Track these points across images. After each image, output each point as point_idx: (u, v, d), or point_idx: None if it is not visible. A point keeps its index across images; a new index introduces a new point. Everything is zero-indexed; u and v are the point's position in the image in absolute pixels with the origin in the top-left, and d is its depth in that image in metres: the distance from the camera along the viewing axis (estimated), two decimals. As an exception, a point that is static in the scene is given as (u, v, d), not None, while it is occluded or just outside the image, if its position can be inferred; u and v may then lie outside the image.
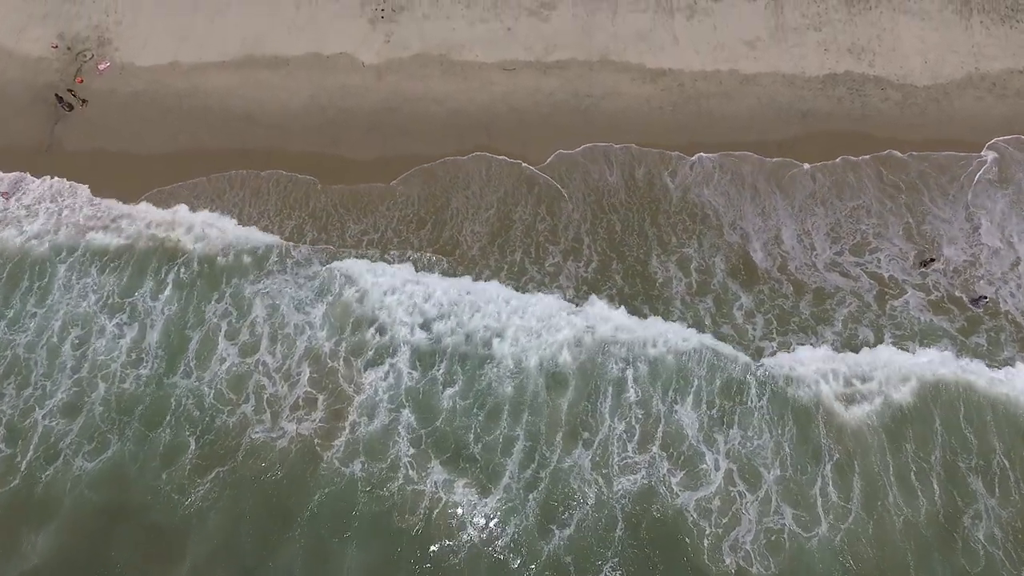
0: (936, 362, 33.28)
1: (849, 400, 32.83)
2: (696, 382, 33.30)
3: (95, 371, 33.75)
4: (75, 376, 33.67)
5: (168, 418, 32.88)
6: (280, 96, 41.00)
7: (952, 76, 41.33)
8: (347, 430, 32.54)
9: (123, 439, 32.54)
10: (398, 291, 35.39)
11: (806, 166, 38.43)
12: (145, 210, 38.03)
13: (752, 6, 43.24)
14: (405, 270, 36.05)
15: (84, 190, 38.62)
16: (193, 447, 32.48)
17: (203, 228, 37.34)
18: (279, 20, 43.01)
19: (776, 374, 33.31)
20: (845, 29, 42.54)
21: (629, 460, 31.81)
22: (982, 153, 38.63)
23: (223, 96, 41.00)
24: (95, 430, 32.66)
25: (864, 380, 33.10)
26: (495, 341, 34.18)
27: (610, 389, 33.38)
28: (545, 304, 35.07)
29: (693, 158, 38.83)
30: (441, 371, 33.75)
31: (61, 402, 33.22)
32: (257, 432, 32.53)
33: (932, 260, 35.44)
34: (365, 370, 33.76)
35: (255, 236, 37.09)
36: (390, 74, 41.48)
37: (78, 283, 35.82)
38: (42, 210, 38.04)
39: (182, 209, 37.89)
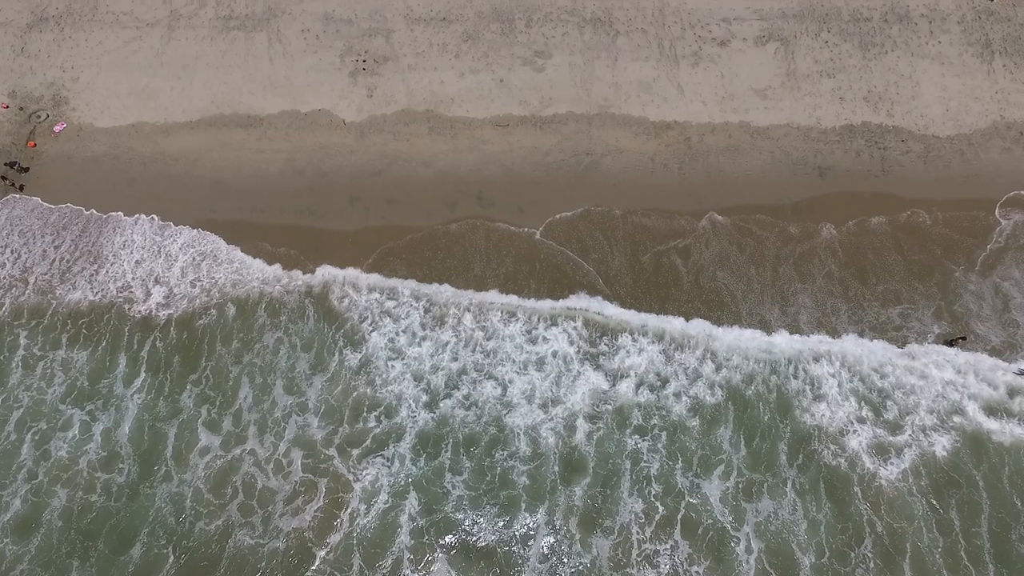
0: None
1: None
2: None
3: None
4: None
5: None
6: (254, 159, 37.64)
7: (976, 125, 38.60)
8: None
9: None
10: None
11: (830, 230, 35.19)
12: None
13: (761, 52, 40.41)
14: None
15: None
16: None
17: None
18: (252, 75, 39.70)
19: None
20: (861, 76, 39.76)
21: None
22: (1001, 221, 35.60)
23: (191, 160, 37.56)
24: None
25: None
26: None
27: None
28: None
29: (703, 221, 35.88)
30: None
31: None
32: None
33: (961, 339, 32.52)
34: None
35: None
36: (373, 133, 38.23)
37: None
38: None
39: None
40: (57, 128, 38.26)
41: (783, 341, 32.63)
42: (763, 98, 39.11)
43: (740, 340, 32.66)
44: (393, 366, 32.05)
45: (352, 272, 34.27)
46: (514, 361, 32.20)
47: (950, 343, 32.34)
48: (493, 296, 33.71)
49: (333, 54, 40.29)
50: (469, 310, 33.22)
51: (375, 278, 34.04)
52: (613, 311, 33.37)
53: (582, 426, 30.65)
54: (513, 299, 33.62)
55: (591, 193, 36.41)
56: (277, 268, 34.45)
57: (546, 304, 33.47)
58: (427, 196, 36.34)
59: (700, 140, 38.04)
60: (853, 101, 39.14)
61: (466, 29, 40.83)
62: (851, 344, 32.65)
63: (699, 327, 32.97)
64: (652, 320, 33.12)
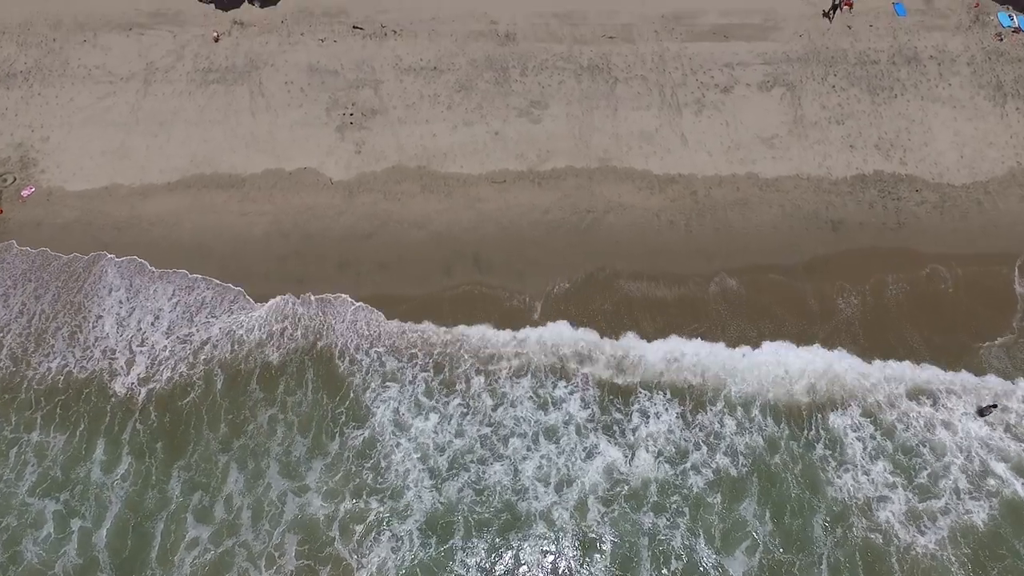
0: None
1: None
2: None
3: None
4: None
5: None
6: (237, 222, 35.45)
7: (992, 172, 37.05)
8: None
9: None
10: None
11: (848, 299, 33.26)
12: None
13: (767, 98, 38.78)
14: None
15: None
16: None
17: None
18: (233, 131, 37.61)
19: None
20: (871, 122, 38.19)
21: None
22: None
23: (170, 225, 35.29)
24: None
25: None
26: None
27: None
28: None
29: (712, 286, 33.91)
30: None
31: None
32: None
33: (992, 407, 30.74)
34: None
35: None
36: (362, 192, 36.18)
37: None
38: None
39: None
40: (25, 192, 35.95)
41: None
42: (770, 147, 37.43)
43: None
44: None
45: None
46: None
47: (981, 412, 30.55)
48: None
49: (319, 107, 38.30)
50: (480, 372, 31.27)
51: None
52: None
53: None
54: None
55: (594, 254, 34.45)
56: (261, 342, 32.36)
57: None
58: (421, 260, 34.24)
59: (707, 194, 36.26)
60: (864, 149, 37.53)
61: (458, 79, 38.99)
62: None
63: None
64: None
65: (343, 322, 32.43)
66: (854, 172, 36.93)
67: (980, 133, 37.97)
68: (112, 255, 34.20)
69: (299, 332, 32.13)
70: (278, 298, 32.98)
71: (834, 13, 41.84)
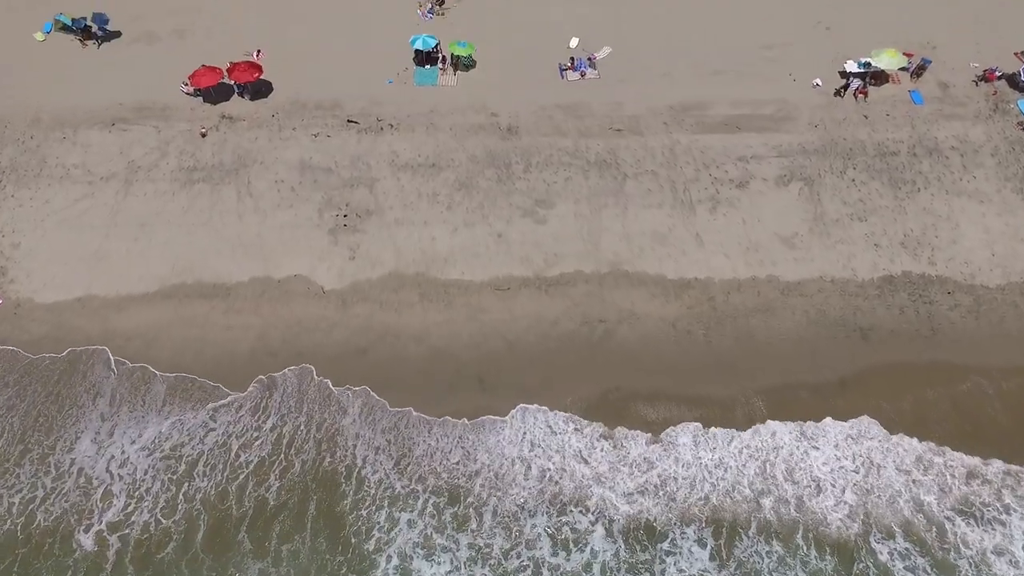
0: None
1: None
2: None
3: None
4: None
5: None
6: (220, 337, 32.77)
7: (1027, 272, 35.03)
8: None
9: None
10: None
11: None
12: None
13: (784, 193, 36.79)
14: None
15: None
16: None
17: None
18: (219, 234, 35.23)
19: None
20: (895, 218, 36.16)
21: None
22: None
23: (147, 340, 32.52)
24: None
25: None
26: None
27: None
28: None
29: (737, 412, 31.28)
30: None
31: None
32: None
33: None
34: None
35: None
36: (357, 302, 33.65)
37: None
38: None
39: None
40: (-8, 305, 33.43)
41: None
42: (791, 247, 35.25)
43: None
44: None
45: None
46: None
47: (1040, 552, 27.69)
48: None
49: (311, 208, 36.06)
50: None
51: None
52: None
53: None
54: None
55: (607, 369, 31.76)
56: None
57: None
58: (420, 379, 31.51)
59: (726, 300, 33.88)
60: (890, 248, 35.39)
61: (458, 176, 36.92)
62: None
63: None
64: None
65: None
66: (881, 273, 34.70)
67: (1011, 229, 35.92)
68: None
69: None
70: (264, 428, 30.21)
71: (844, 92, 40.34)
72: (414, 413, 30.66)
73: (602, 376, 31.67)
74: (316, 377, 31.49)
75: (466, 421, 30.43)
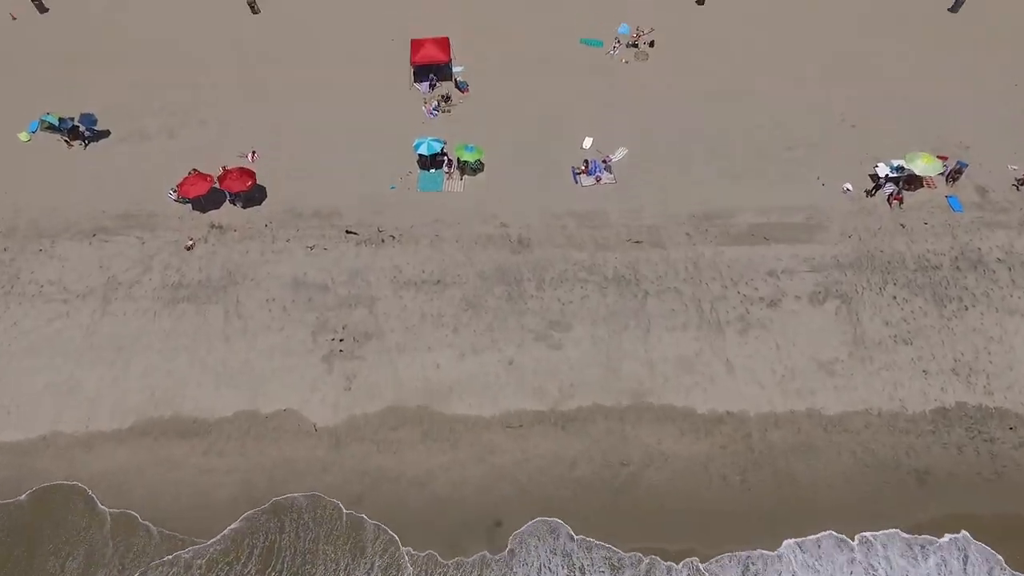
0: None
1: None
2: None
3: None
4: None
5: None
6: (198, 482, 29.24)
7: (1093, 402, 31.72)
8: None
9: None
10: None
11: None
12: None
13: (820, 313, 33.78)
14: None
15: None
16: None
17: None
18: (203, 361, 32.07)
19: None
20: (942, 340, 33.07)
21: None
22: None
23: (116, 485, 28.96)
24: None
25: None
26: None
27: None
28: None
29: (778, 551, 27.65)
30: None
31: None
32: None
33: None
34: None
35: None
36: (352, 441, 30.24)
37: None
38: None
39: None
40: (-54, 444, 30.04)
41: None
42: (831, 374, 32.04)
43: None
44: None
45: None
46: None
47: None
48: None
49: (304, 331, 33.02)
50: None
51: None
52: None
53: None
54: None
55: (633, 523, 28.17)
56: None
57: None
58: (422, 531, 27.94)
59: (762, 437, 30.48)
60: (940, 375, 32.18)
61: (465, 295, 34.00)
62: None
63: None
64: None
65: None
66: (933, 405, 31.38)
67: (1071, 352, 32.90)
68: (40, 534, 28.00)
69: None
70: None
71: (875, 192, 37.82)
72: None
73: (625, 531, 28.01)
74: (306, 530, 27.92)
75: (474, 590, 26.74)
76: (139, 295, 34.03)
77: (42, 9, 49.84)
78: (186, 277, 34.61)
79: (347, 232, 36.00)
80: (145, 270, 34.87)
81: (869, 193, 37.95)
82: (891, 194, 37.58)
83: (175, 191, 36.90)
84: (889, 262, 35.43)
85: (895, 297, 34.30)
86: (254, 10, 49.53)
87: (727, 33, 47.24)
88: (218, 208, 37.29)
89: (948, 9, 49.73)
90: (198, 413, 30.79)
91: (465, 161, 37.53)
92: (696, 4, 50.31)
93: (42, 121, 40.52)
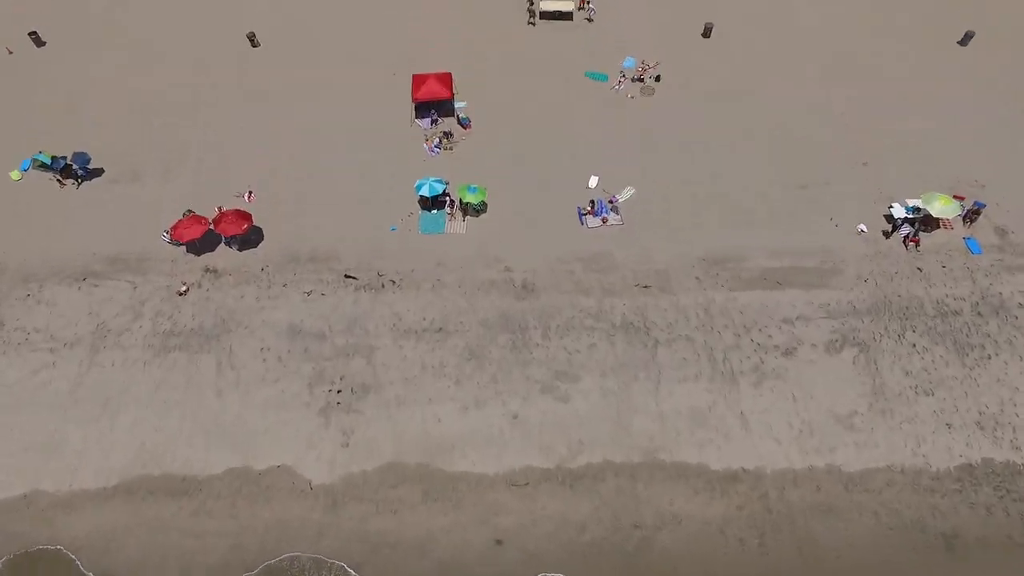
0: None
1: None
2: None
3: None
4: None
5: None
6: (186, 547, 27.66)
7: (1126, 459, 30.27)
8: None
9: None
10: None
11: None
12: None
13: (837, 362, 32.46)
14: None
15: None
16: None
17: None
18: (193, 415, 30.67)
19: None
20: (965, 391, 31.71)
21: None
22: None
23: (99, 551, 27.44)
24: None
25: None
26: None
27: None
28: None
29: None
30: None
31: None
32: None
33: None
34: None
35: None
36: (349, 501, 28.77)
37: None
38: None
39: None
40: (-78, 504, 28.57)
41: None
42: (850, 428, 30.64)
43: None
44: None
45: None
46: None
47: None
48: None
49: (299, 382, 31.67)
50: None
51: None
52: None
53: None
54: None
55: (647, 591, 26.76)
56: None
57: None
58: (422, 606, 26.47)
59: (780, 496, 29.02)
60: (964, 428, 30.78)
61: (468, 343, 32.70)
62: None
63: None
64: None
65: None
66: (958, 462, 29.95)
67: (1100, 405, 31.52)
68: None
69: None
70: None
71: (893, 233, 36.65)
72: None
73: (641, 600, 26.53)
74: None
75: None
76: (129, 344, 32.74)
77: (39, 43, 49.11)
78: (178, 324, 33.34)
79: (346, 277, 34.80)
80: (136, 317, 33.61)
81: (887, 234, 36.81)
82: (907, 236, 36.43)
83: (168, 233, 35.75)
84: (907, 308, 34.18)
85: (915, 345, 33.00)
86: (254, 43, 48.79)
87: (733, 67, 46.40)
88: (213, 251, 36.11)
89: (957, 42, 49.01)
90: (187, 470, 29.36)
91: (468, 202, 36.43)
92: (701, 37, 49.62)
93: (34, 160, 39.48)
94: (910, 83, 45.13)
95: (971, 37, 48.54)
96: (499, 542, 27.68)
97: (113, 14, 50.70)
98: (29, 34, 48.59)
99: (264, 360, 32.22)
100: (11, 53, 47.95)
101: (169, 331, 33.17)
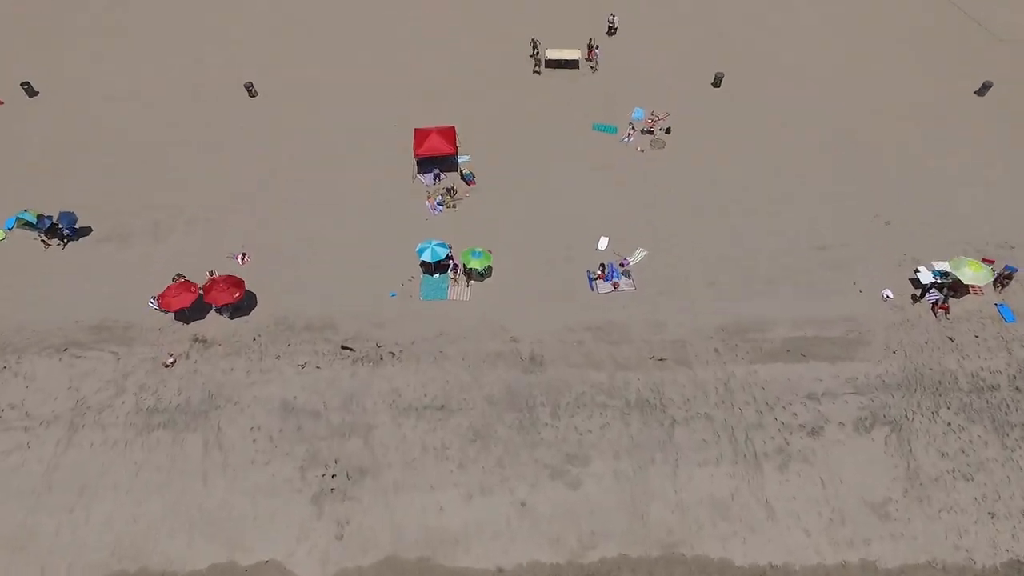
0: None
1: None
2: None
3: None
4: None
5: None
6: (163, 655, 25.51)
7: None
8: None
9: None
10: None
11: None
12: None
13: (867, 443, 30.27)
14: None
15: None
16: None
17: None
18: (175, 504, 28.39)
19: None
20: (1008, 476, 29.44)
21: None
22: None
23: (69, 661, 25.31)
24: None
25: None
26: None
27: None
28: None
29: None
30: None
31: None
32: None
33: None
34: None
35: None
36: (343, 602, 26.57)
37: None
38: None
39: None
40: None
41: None
42: (884, 518, 28.35)
43: None
44: None
45: None
46: None
47: None
48: None
49: (291, 465, 29.47)
50: None
51: None
52: None
53: None
54: None
55: None
56: None
57: None
58: None
59: (812, 597, 26.75)
60: (1008, 518, 28.45)
61: (472, 423, 30.58)
62: None
63: None
64: None
65: None
66: (1005, 557, 27.55)
67: None
68: None
69: None
70: None
71: (919, 299, 34.73)
72: None
73: None
74: None
75: None
76: (109, 422, 30.61)
77: (31, 93, 47.88)
78: (163, 400, 31.25)
79: (342, 348, 32.81)
80: (118, 392, 31.54)
81: (914, 299, 34.88)
82: (936, 302, 34.53)
83: (156, 301, 33.89)
84: (940, 382, 32.09)
85: (950, 424, 30.84)
86: (251, 93, 47.54)
87: (745, 119, 45.02)
88: (203, 318, 34.16)
89: (974, 92, 47.71)
90: (167, 566, 26.98)
91: (472, 268, 34.63)
92: (711, 86, 48.33)
93: (18, 219, 37.81)
94: (928, 136, 43.68)
95: (989, 87, 47.26)
96: (505, 642, 25.43)
97: (109, 64, 49.63)
98: (22, 84, 47.49)
99: (254, 440, 30.07)
100: (1, 104, 46.72)
101: (153, 407, 31.07)
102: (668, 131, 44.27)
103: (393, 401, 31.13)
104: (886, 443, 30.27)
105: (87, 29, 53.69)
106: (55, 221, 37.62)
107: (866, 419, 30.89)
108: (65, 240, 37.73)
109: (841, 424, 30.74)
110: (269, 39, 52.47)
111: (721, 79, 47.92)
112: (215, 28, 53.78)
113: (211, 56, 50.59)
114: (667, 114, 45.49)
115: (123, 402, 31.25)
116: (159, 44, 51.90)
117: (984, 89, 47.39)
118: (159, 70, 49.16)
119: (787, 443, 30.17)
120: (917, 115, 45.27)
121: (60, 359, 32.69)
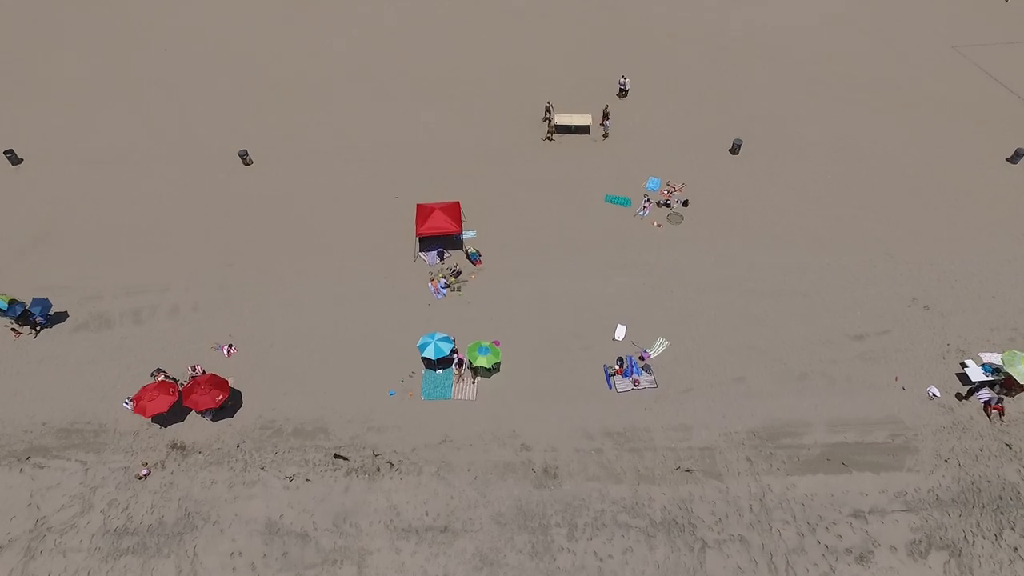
0: None
1: None
2: None
3: None
4: None
5: None
6: None
7: None
8: None
9: None
10: None
11: None
12: None
13: (923, 571, 26.78)
14: None
15: None
16: None
17: None
18: (141, 647, 25.20)
19: None
20: (1085, 613, 26.15)
21: None
22: None
23: None
24: None
25: None
26: None
27: None
28: None
29: None
30: None
31: None
32: None
33: None
34: None
35: None
36: None
37: None
38: None
39: None
40: None
41: None
42: (950, 665, 24.94)
43: None
44: None
45: None
46: None
47: None
48: None
49: (276, 599, 26.21)
50: None
51: None
52: None
53: None
54: None
55: None
56: None
57: None
58: None
59: None
60: (1090, 666, 25.07)
61: (479, 547, 27.29)
62: None
63: None
64: None
65: None
66: None
67: None
68: None
69: None
70: None
71: (968, 396, 31.66)
72: None
73: None
74: None
75: None
76: (71, 546, 27.28)
77: (15, 161, 45.66)
78: (133, 519, 27.98)
79: (335, 457, 29.66)
80: (84, 509, 28.30)
81: (960, 397, 31.84)
82: (988, 402, 31.48)
83: (131, 401, 30.89)
84: (1001, 498, 28.81)
85: (1016, 549, 27.47)
86: (245, 162, 45.28)
87: (766, 190, 42.54)
88: (182, 421, 31.09)
89: (1007, 159, 45.39)
90: None
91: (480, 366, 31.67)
92: (729, 153, 46.06)
93: (-11, 304, 35.17)
94: (962, 208, 41.14)
95: (1022, 155, 44.95)
96: None
97: (97, 133, 47.52)
98: (4, 152, 45.31)
99: (234, 569, 26.68)
100: (-18, 175, 44.44)
101: (123, 528, 27.77)
102: (686, 204, 41.75)
103: (390, 520, 27.81)
104: (945, 572, 26.87)
105: (77, 86, 51.85)
106: (28, 308, 34.90)
107: (920, 542, 27.52)
108: (37, 329, 34.92)
109: (893, 548, 27.36)
110: (265, 102, 50.52)
111: (739, 147, 45.64)
112: (211, 93, 51.90)
113: (204, 122, 48.55)
114: (684, 185, 43.09)
115: (89, 521, 27.96)
116: (152, 106, 49.96)
117: (1016, 157, 45.04)
118: (151, 134, 47.03)
119: (832, 571, 26.75)
120: (948, 185, 42.81)
121: (21, 470, 29.49)
